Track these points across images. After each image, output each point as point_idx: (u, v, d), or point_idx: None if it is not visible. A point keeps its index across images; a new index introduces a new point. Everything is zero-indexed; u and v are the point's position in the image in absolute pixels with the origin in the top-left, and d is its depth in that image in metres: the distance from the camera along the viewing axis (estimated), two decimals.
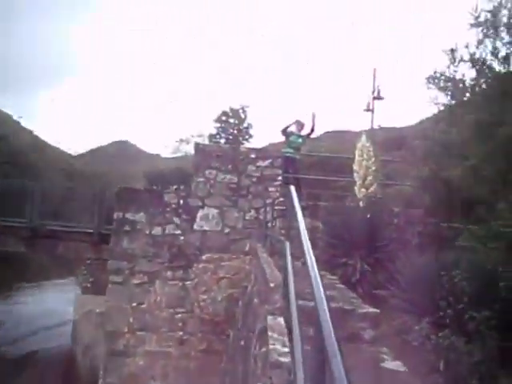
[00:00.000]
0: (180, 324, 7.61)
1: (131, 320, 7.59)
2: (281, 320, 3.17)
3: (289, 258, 3.07)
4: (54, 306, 12.42)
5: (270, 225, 6.89)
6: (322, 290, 1.57)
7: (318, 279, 1.67)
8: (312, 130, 8.62)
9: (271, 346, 2.59)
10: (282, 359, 2.45)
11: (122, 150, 48.46)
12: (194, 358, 7.46)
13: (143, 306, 7.64)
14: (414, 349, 3.32)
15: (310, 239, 7.46)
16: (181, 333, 7.59)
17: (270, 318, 3.17)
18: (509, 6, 4.97)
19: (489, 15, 4.96)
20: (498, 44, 5.83)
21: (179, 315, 7.60)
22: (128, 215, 7.78)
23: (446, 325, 3.27)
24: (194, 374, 7.29)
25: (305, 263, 2.04)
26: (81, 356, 8.45)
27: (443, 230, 7.52)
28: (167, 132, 73.05)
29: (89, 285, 9.49)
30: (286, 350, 2.57)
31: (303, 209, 7.80)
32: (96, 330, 8.11)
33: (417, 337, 3.33)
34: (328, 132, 27.07)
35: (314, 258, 1.90)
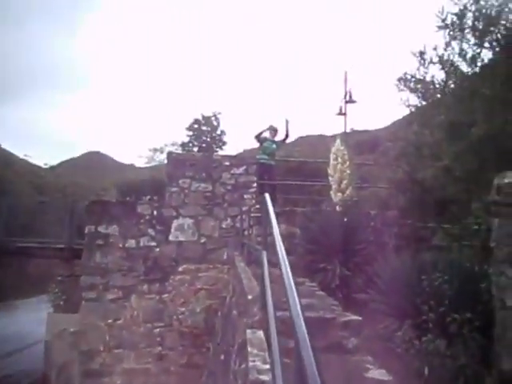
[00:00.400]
0: (158, 339, 7.38)
1: (107, 337, 7.32)
2: (260, 334, 3.04)
3: (266, 267, 2.96)
4: (25, 326, 11.91)
5: (246, 233, 6.77)
6: (297, 299, 1.47)
7: (293, 289, 1.57)
8: (286, 136, 8.59)
9: (251, 363, 2.46)
10: (262, 377, 2.33)
11: (95, 161, 47.47)
12: (174, 373, 7.24)
13: (119, 322, 7.38)
14: (398, 355, 3.26)
15: (287, 246, 7.33)
16: (160, 348, 7.36)
17: (248, 331, 3.05)
18: (473, 8, 5.05)
19: (455, 18, 5.02)
20: (465, 46, 5.94)
21: (157, 330, 7.37)
22: (100, 228, 7.53)
23: (429, 329, 3.23)
24: None
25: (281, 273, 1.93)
26: (54, 378, 8.09)
27: (419, 230, 7.58)
28: (141, 141, 72.14)
29: (61, 303, 9.13)
30: (267, 366, 2.45)
31: (278, 215, 7.73)
32: (70, 349, 7.77)
33: (400, 342, 3.27)
34: (302, 137, 27.23)
35: (289, 268, 1.80)
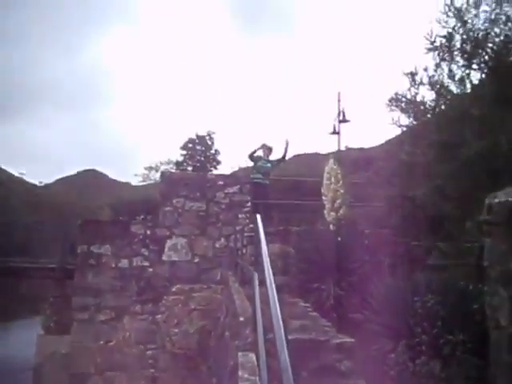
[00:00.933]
0: (151, 361, 7.24)
1: (98, 360, 7.18)
2: (252, 357, 3.00)
3: (257, 289, 2.93)
4: (18, 348, 11.67)
5: (240, 252, 6.73)
6: (280, 322, 1.46)
7: (278, 313, 1.56)
8: (284, 157, 8.61)
9: None
10: None
11: (90, 179, 47.36)
12: None
13: (111, 343, 7.24)
14: (392, 378, 3.21)
15: (281, 265, 7.28)
16: (152, 370, 7.22)
17: (240, 354, 3.00)
18: (461, 31, 5.16)
19: (443, 40, 5.13)
20: (454, 67, 6.07)
21: (150, 351, 7.24)
22: (93, 248, 7.46)
23: (422, 351, 3.19)
24: None
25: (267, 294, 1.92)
26: None
27: (414, 249, 7.57)
28: (137, 160, 72.21)
29: (52, 324, 8.97)
30: None
31: (273, 234, 7.72)
32: (61, 373, 7.61)
33: (393, 365, 3.23)
34: (297, 155, 27.38)
35: (275, 291, 1.79)
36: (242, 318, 3.32)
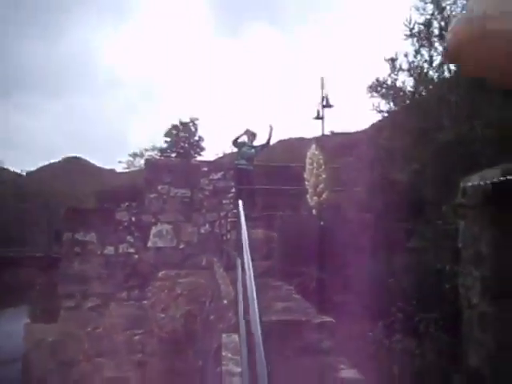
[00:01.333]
0: (139, 346, 7.36)
1: (86, 346, 7.26)
2: (235, 337, 3.11)
3: (240, 274, 3.03)
4: (4, 338, 11.64)
5: (225, 238, 6.83)
6: (256, 304, 1.56)
7: (255, 295, 1.65)
8: (268, 143, 8.66)
9: (224, 367, 2.53)
10: (235, 379, 2.40)
11: (74, 167, 46.59)
12: (155, 380, 7.22)
13: (99, 330, 7.33)
14: (370, 355, 3.36)
15: (265, 250, 7.38)
16: (140, 355, 7.35)
17: (224, 336, 3.11)
18: (439, 18, 5.24)
19: (422, 27, 5.20)
20: (433, 53, 6.17)
21: (137, 337, 7.36)
22: (78, 236, 7.48)
23: (398, 329, 3.34)
24: None
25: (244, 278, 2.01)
26: None
27: (395, 232, 7.75)
28: (121, 146, 71.21)
29: (39, 312, 8.99)
30: (240, 369, 2.52)
31: (257, 219, 7.81)
32: (49, 360, 7.67)
33: (371, 343, 3.37)
34: (282, 140, 27.40)
35: (252, 275, 1.88)
36: (225, 302, 3.42)
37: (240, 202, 3.28)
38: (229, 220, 6.91)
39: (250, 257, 2.11)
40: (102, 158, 71.50)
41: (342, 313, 4.84)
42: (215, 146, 57.76)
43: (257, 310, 1.53)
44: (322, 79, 11.41)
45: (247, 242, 2.36)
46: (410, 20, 5.18)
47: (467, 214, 4.00)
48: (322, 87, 11.18)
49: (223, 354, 2.76)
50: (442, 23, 5.06)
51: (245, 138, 8.35)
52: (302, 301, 4.48)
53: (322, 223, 6.35)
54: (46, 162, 46.12)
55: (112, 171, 39.93)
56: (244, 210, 8.11)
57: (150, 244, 7.48)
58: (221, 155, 21.55)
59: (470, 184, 3.84)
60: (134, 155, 27.97)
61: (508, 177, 3.05)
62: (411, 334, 3.24)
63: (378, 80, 6.24)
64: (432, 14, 5.07)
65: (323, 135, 10.86)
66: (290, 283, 6.18)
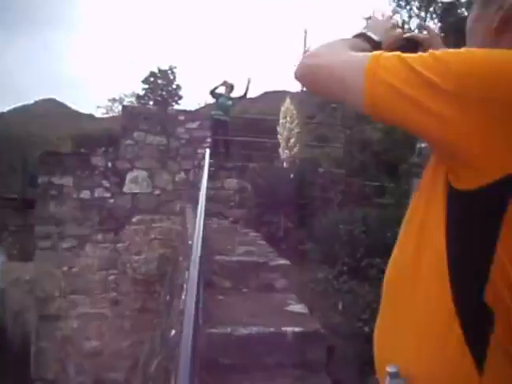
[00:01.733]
0: (113, 285, 7.70)
1: (62, 284, 7.57)
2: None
3: (199, 217, 3.28)
4: None
5: (199, 185, 7.02)
6: (199, 242, 1.80)
7: (200, 234, 1.89)
8: (245, 95, 8.69)
9: (183, 297, 2.83)
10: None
11: (50, 110, 45.18)
12: (128, 317, 7.65)
13: (74, 269, 7.61)
14: (319, 294, 3.73)
15: (239, 199, 7.70)
16: (114, 294, 7.70)
17: (186, 272, 3.41)
18: None
19: None
20: (412, 13, 6.27)
21: (112, 277, 7.68)
22: (54, 179, 7.57)
23: (347, 272, 3.70)
24: (129, 332, 7.52)
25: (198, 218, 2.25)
26: (11, 323, 8.33)
27: (363, 188, 8.12)
28: (100, 90, 68.93)
29: (15, 251, 9.22)
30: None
31: (231, 170, 8.02)
32: (26, 297, 7.99)
33: (321, 284, 3.74)
34: (265, 93, 27.12)
35: (203, 218, 2.12)
36: (190, 242, 3.69)
37: (207, 152, 3.47)
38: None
39: (204, 203, 2.34)
40: (80, 102, 69.29)
41: (303, 258, 5.23)
42: (195, 96, 56.59)
43: (199, 250, 1.77)
44: (306, 32, 11.31)
45: (204, 191, 2.58)
46: None
47: (420, 173, 4.32)
48: (305, 40, 11.11)
49: (184, 286, 3.06)
50: None
51: (222, 90, 8.36)
52: (265, 246, 4.80)
53: (292, 176, 6.63)
54: (19, 104, 44.51)
55: (90, 116, 38.97)
56: (219, 160, 8.29)
57: (125, 189, 7.64)
58: (202, 105, 21.31)
59: (423, 145, 4.12)
60: (114, 100, 27.34)
61: None
62: (357, 276, 3.60)
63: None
64: None
65: (302, 91, 10.92)
66: (259, 231, 6.51)
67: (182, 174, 7.67)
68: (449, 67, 0.60)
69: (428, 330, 0.64)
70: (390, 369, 0.65)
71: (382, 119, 0.73)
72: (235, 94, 8.68)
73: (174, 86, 25.87)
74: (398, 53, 0.67)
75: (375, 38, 0.86)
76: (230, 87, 8.39)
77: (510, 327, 0.58)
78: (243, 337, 2.65)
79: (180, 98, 25.85)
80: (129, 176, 7.63)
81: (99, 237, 7.60)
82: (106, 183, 7.65)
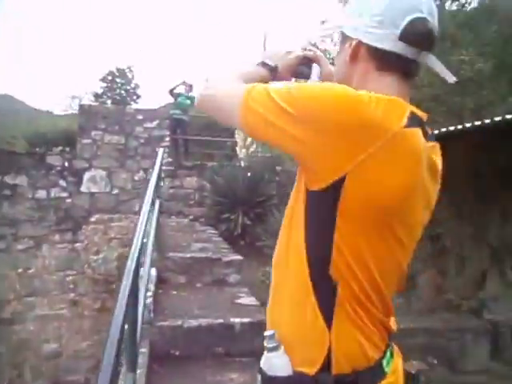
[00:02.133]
0: (72, 286, 7.63)
1: (18, 287, 7.42)
2: (154, 270, 3.54)
3: (155, 215, 3.39)
4: None
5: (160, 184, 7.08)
6: (152, 239, 1.92)
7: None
8: None
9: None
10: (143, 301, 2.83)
11: (5, 106, 43.34)
12: (87, 318, 7.59)
13: (31, 271, 7.48)
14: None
15: (198, 198, 7.78)
16: (73, 294, 7.63)
17: (141, 269, 3.51)
18: None
19: None
20: None
21: (70, 277, 7.61)
22: (7, 179, 7.41)
23: None
24: (89, 332, 7.47)
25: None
26: None
27: None
28: (59, 88, 66.61)
29: None
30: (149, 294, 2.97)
31: (190, 169, 8.08)
32: None
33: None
34: None
35: (156, 214, 2.24)
36: (145, 240, 3.79)
37: (160, 151, 3.57)
38: (163, 168, 7.13)
39: (150, 201, 2.47)
40: (37, 99, 66.71)
41: (260, 254, 5.40)
42: (153, 95, 55.82)
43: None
44: (265, 35, 11.53)
45: (152, 188, 2.70)
46: None
47: None
48: (264, 44, 11.31)
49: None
50: None
51: (181, 89, 8.42)
52: (220, 242, 4.95)
53: (249, 174, 6.79)
54: None
55: (49, 113, 37.68)
56: (178, 159, 8.32)
57: (83, 189, 7.58)
58: (163, 105, 21.13)
59: None
60: (73, 97, 26.59)
61: None
62: None
63: (324, 22, 6.47)
64: None
65: None
66: (218, 228, 6.64)
67: (141, 173, 7.69)
68: (294, 97, 0.78)
69: (294, 300, 0.83)
70: (267, 333, 0.83)
71: (259, 140, 0.91)
72: (193, 93, 8.75)
73: (133, 85, 25.56)
74: (266, 85, 0.84)
75: (270, 63, 1.01)
76: (189, 87, 8.45)
77: (348, 292, 0.77)
78: (193, 328, 2.79)
79: (138, 96, 25.54)
80: (87, 175, 7.58)
81: (56, 237, 7.51)
82: (62, 183, 7.56)
